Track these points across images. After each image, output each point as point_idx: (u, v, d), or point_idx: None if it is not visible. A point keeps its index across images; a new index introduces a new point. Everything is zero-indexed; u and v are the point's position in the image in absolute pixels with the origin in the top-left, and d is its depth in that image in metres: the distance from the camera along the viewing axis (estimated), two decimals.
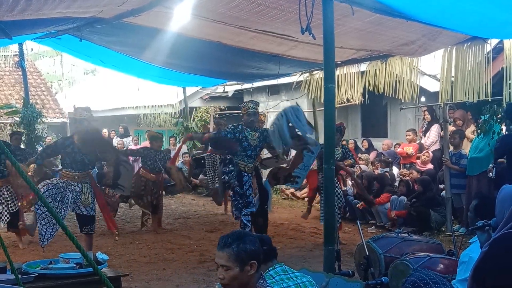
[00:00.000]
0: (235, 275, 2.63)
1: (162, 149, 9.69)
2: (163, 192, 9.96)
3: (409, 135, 11.00)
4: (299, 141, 7.47)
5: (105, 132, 17.03)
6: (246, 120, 7.29)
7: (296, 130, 7.36)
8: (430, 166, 10.31)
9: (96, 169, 8.44)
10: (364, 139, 13.03)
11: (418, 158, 10.52)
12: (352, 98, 10.36)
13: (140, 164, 10.05)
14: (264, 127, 9.88)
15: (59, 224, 2.55)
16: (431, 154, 10.44)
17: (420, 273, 2.29)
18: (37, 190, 2.67)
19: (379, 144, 12.45)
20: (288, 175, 7.77)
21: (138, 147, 13.92)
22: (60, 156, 7.42)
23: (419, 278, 2.24)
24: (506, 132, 7.88)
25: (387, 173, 10.29)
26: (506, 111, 7.51)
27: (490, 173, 7.99)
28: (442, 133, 9.67)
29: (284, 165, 8.43)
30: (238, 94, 16.65)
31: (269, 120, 14.99)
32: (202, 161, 10.24)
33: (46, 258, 5.83)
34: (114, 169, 7.50)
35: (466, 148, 9.30)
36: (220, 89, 16.45)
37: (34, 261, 4.89)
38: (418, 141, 10.94)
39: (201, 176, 13.60)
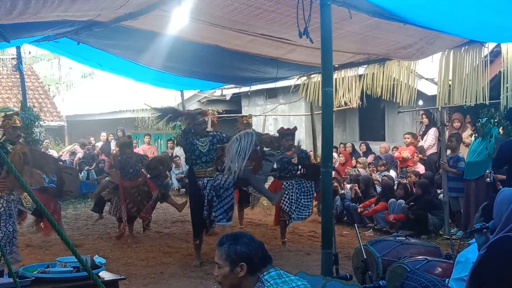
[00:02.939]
0: (225, 274, 2.74)
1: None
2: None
3: (408, 138, 11.02)
4: (256, 154, 8.04)
5: (92, 139, 17.07)
6: (196, 129, 7.48)
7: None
8: (421, 166, 10.39)
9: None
10: (361, 143, 13.04)
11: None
12: (350, 101, 10.37)
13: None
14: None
15: (55, 229, 2.53)
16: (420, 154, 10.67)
17: (419, 276, 2.29)
18: (33, 195, 2.66)
19: (377, 147, 12.46)
20: (248, 186, 8.45)
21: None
22: None
23: (418, 283, 2.24)
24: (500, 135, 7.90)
25: (385, 177, 10.30)
26: (508, 116, 7.51)
27: (488, 178, 8.00)
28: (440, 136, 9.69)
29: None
30: (236, 98, 16.67)
31: (266, 124, 15.04)
32: None
33: (43, 261, 5.83)
34: (58, 179, 7.64)
35: (462, 152, 9.31)
36: (218, 93, 16.48)
37: (32, 264, 4.87)
38: (419, 145, 10.92)
39: None
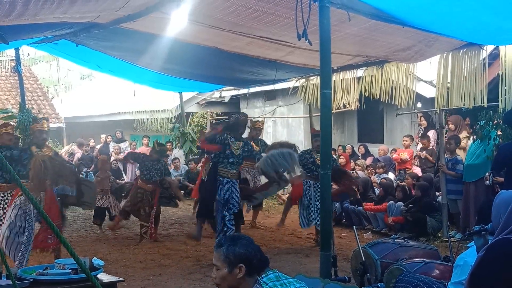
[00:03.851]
0: (223, 276, 2.75)
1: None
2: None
3: (406, 141, 11.04)
4: (276, 175, 8.39)
5: (92, 141, 17.05)
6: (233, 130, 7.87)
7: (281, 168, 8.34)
8: (417, 169, 10.38)
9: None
10: (360, 145, 13.04)
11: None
12: (349, 103, 10.37)
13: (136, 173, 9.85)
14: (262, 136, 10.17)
15: (53, 230, 2.53)
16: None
17: (410, 277, 2.29)
18: (35, 202, 2.66)
19: (376, 149, 12.46)
20: (249, 194, 8.78)
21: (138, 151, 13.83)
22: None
23: (409, 283, 2.24)
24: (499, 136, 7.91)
25: (384, 179, 10.30)
26: (506, 119, 7.51)
27: (487, 181, 8.00)
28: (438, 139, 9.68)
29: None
30: (235, 100, 16.67)
31: (265, 126, 15.01)
32: None
33: (41, 263, 5.82)
34: (77, 190, 7.60)
35: (458, 154, 9.31)
36: (216, 95, 16.47)
37: (30, 266, 4.88)
38: (430, 147, 10.85)
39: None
